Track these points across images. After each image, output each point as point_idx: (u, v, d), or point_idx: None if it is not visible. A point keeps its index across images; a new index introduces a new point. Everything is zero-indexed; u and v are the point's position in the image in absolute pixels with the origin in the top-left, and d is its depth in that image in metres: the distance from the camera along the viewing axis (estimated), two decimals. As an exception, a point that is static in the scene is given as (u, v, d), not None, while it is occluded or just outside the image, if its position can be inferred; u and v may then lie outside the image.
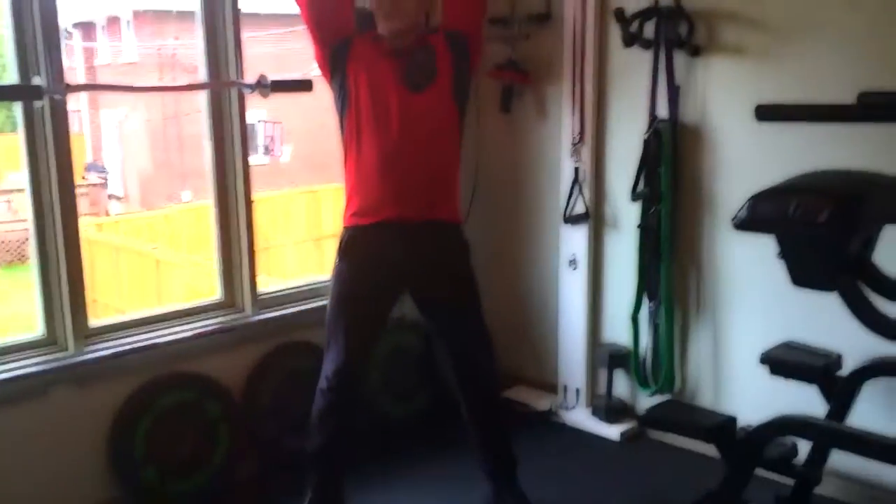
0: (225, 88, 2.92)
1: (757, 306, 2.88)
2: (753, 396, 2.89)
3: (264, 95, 2.88)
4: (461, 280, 2.65)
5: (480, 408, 2.73)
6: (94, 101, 15.98)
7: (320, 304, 3.01)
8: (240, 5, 2.92)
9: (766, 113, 2.01)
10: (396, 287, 2.65)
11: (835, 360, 2.55)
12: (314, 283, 3.25)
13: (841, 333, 2.36)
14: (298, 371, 2.99)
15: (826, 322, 2.61)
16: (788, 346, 2.69)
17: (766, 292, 2.80)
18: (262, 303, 3.08)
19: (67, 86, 2.52)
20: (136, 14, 14.59)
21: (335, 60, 2.55)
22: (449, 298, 2.64)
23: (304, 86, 2.97)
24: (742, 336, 2.94)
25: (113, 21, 15.52)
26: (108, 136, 16.16)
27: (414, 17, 2.53)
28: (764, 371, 2.62)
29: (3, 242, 12.85)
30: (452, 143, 2.62)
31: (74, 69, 15.64)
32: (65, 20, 15.26)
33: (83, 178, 14.52)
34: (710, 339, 3.04)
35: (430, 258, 2.58)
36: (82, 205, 12.60)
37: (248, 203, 3.01)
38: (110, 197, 15.38)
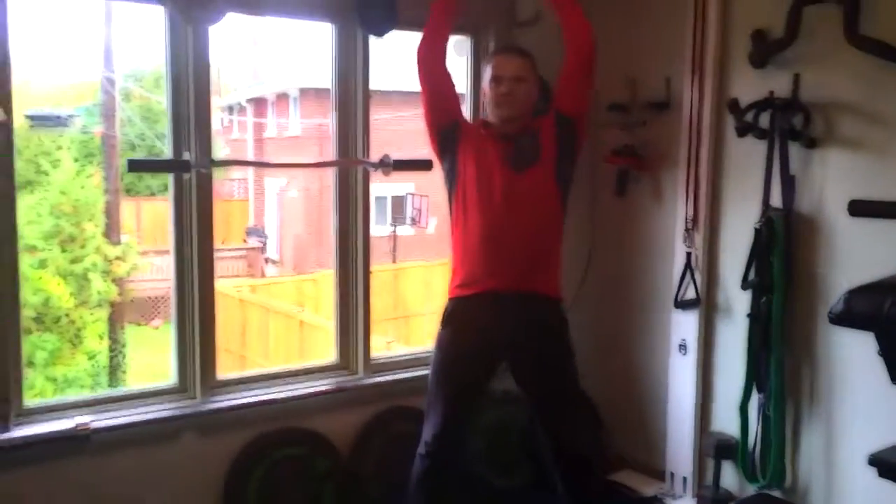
0: (351, 166, 3.16)
1: (870, 405, 2.77)
2: (864, 498, 2.76)
3: (386, 174, 3.10)
4: (556, 352, 2.72)
5: (575, 484, 2.75)
6: (260, 169, 17.13)
7: (427, 371, 3.15)
8: (371, 86, 3.17)
9: (860, 209, 2.00)
10: (494, 356, 2.74)
11: (948, 468, 2.43)
12: (423, 352, 3.40)
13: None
14: (404, 435, 3.10)
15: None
16: (900, 449, 2.58)
17: (879, 391, 2.70)
18: (373, 367, 3.25)
19: (212, 161, 2.83)
20: (303, 91, 15.64)
21: (445, 142, 2.74)
22: (542, 369, 2.70)
23: (423, 165, 3.17)
24: (854, 434, 2.83)
25: (282, 97, 16.71)
26: (269, 202, 17.23)
27: (522, 106, 2.69)
28: (874, 472, 2.52)
29: (169, 298, 13.85)
30: (554, 220, 2.73)
31: (245, 141, 16.90)
32: (240, 95, 16.62)
33: (244, 241, 15.54)
34: (822, 434, 2.94)
35: (527, 329, 2.67)
36: (240, 267, 13.51)
37: (367, 272, 3.22)
38: (267, 260, 16.31)
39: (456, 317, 2.72)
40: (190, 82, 2.81)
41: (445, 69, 2.75)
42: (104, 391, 2.83)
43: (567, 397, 2.72)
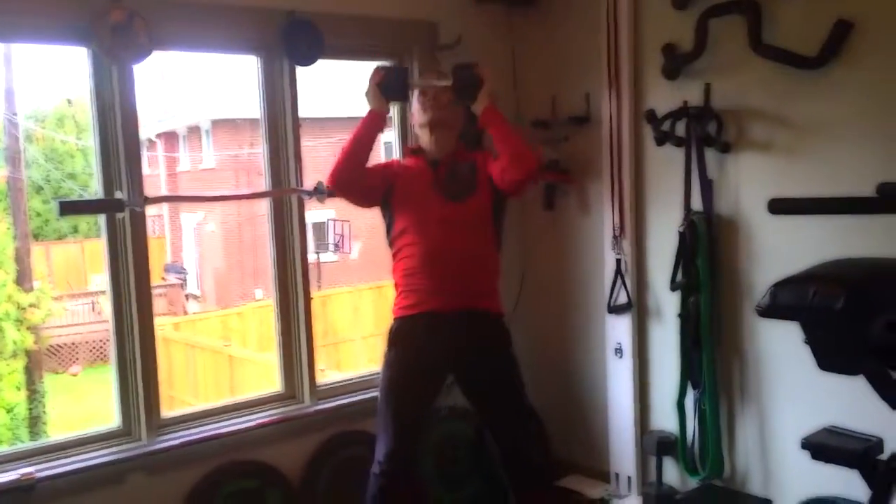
0: (285, 195, 3.17)
1: (799, 391, 2.93)
2: (800, 481, 2.91)
3: (321, 201, 3.13)
4: (503, 366, 2.79)
5: (528, 494, 2.81)
6: (175, 205, 16.78)
7: (375, 394, 3.16)
8: (300, 114, 3.20)
9: (778, 206, 2.13)
10: (441, 371, 2.81)
11: (875, 445, 2.58)
12: (369, 374, 3.41)
13: (882, 417, 2.39)
14: (354, 459, 3.12)
15: (867, 406, 2.65)
16: (829, 431, 2.72)
17: (806, 377, 2.85)
18: (319, 393, 3.26)
19: (146, 198, 2.81)
20: (215, 123, 15.45)
21: (385, 201, 2.83)
22: (491, 383, 2.77)
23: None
24: (786, 421, 2.98)
25: (193, 130, 16.45)
26: (187, 238, 16.90)
27: (450, 131, 2.78)
28: (808, 456, 2.66)
29: (87, 343, 13.43)
30: (490, 241, 2.82)
31: (157, 176, 16.54)
32: (149, 131, 16.29)
33: (163, 278, 15.18)
34: (756, 424, 3.08)
35: (471, 344, 2.74)
36: (161, 305, 13.22)
37: (307, 300, 3.23)
38: (188, 296, 15.97)
39: (401, 336, 2.77)
40: (117, 121, 2.79)
41: (364, 177, 2.79)
42: (45, 440, 2.73)
43: (515, 408, 2.79)
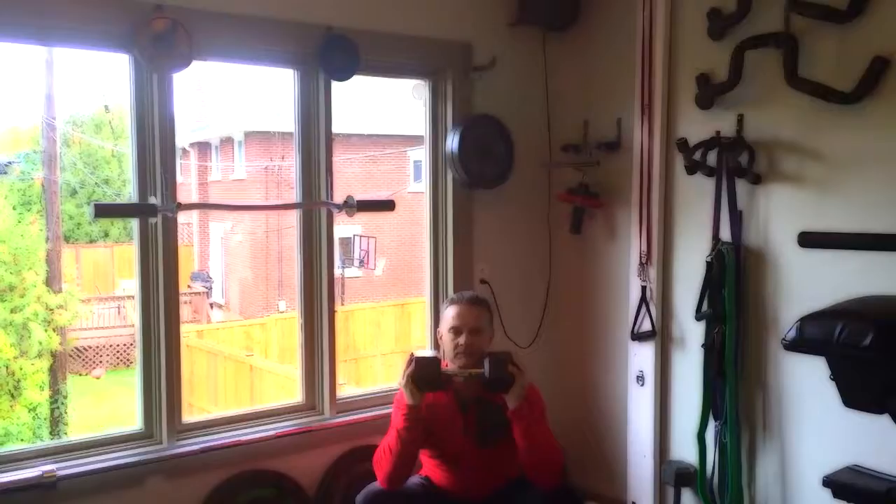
0: (315, 208, 3.20)
1: (822, 428, 2.89)
2: (820, 520, 2.87)
3: (350, 215, 3.16)
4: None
5: None
6: (204, 214, 16.99)
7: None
8: (333, 129, 3.23)
9: (810, 240, 2.13)
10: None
11: (898, 486, 2.55)
12: (389, 390, 3.42)
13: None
14: (371, 474, 3.12)
15: (891, 446, 2.62)
16: (852, 470, 2.70)
17: (830, 414, 2.82)
18: (339, 406, 3.27)
19: (179, 204, 2.85)
20: (248, 135, 15.63)
21: None
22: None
23: (386, 206, 3.24)
24: (808, 457, 2.94)
25: (226, 141, 16.65)
26: (214, 247, 17.07)
27: (479, 355, 2.79)
28: (829, 494, 2.64)
29: (111, 346, 13.58)
30: (514, 460, 2.83)
31: (189, 185, 16.75)
32: (183, 140, 16.52)
33: (189, 286, 15.33)
34: (777, 459, 3.05)
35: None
36: (185, 312, 13.34)
37: (332, 313, 3.25)
38: (212, 305, 16.11)
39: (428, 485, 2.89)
40: (155, 127, 2.84)
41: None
42: (67, 438, 2.77)
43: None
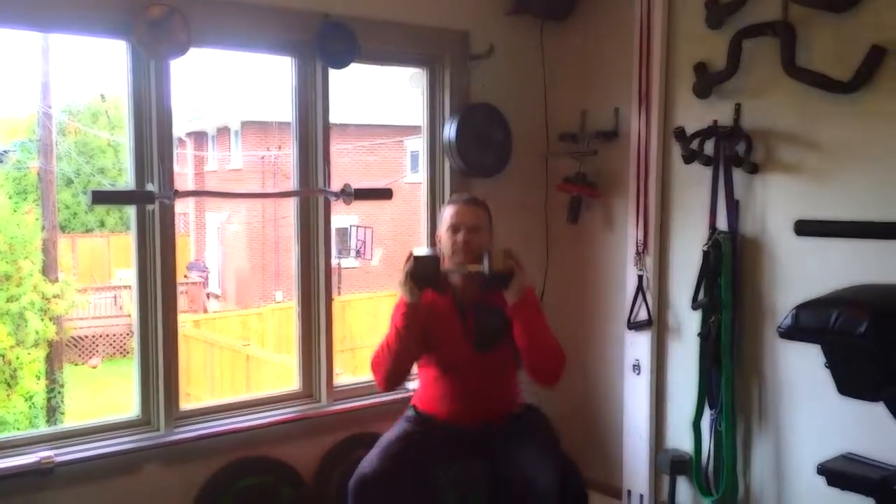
0: (312, 196, 3.20)
1: (817, 416, 2.91)
2: (815, 507, 2.89)
3: (347, 203, 3.16)
4: (532, 428, 2.85)
5: None
6: (201, 204, 16.97)
7: (391, 396, 3.20)
8: (330, 119, 3.23)
9: (805, 228, 2.14)
10: (458, 455, 2.81)
11: (892, 474, 2.56)
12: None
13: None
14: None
15: (886, 434, 2.63)
16: (846, 458, 2.71)
17: (825, 402, 2.83)
18: (336, 394, 3.28)
19: (176, 192, 2.85)
20: (244, 125, 15.60)
21: None
22: (517, 431, 2.81)
23: (384, 194, 3.24)
24: (803, 445, 2.96)
25: (223, 131, 16.62)
26: (210, 237, 17.06)
27: (477, 254, 2.77)
28: (823, 481, 2.65)
29: (107, 336, 13.58)
30: (513, 372, 2.91)
31: (185, 175, 16.72)
32: (179, 129, 16.48)
33: (185, 276, 15.32)
34: (772, 447, 3.06)
35: (498, 434, 2.80)
36: (182, 302, 13.35)
37: (329, 301, 3.25)
38: (209, 295, 16.11)
39: (421, 421, 2.85)
40: (152, 114, 2.83)
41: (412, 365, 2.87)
42: (64, 425, 2.77)
43: (537, 448, 2.74)
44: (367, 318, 11.45)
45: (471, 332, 2.80)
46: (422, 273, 2.71)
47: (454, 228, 2.81)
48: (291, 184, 3.26)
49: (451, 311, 2.82)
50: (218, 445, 2.98)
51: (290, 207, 3.29)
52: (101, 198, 3.02)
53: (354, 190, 3.15)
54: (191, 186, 16.16)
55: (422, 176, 3.64)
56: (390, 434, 2.81)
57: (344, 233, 14.96)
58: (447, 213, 2.86)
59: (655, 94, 3.31)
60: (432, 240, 3.48)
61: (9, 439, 2.70)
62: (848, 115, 2.77)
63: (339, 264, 14.26)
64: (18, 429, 9.58)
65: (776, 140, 2.99)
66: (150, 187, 2.81)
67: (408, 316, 2.70)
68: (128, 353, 12.55)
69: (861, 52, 2.68)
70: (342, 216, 13.66)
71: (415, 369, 2.93)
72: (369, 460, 2.68)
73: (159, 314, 2.89)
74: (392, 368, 2.75)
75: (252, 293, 15.43)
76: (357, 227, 14.98)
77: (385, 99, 12.55)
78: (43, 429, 2.72)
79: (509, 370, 2.90)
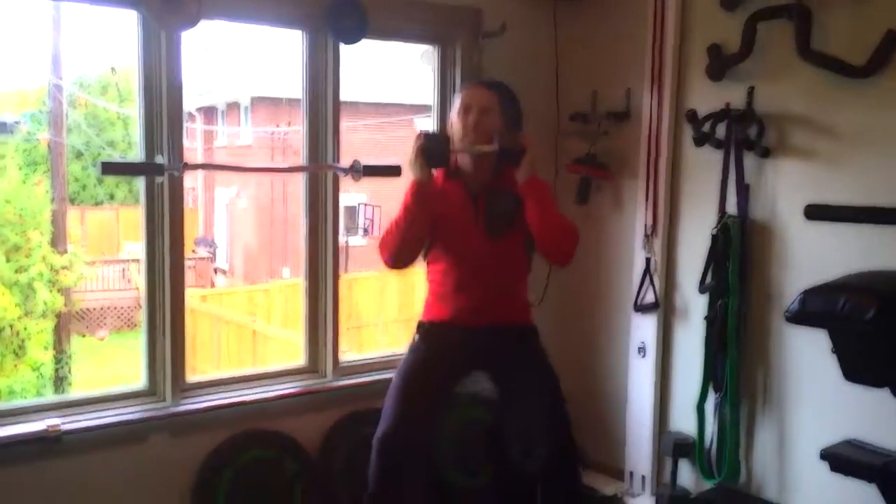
0: (322, 171, 3.20)
1: (822, 401, 2.90)
2: (817, 491, 2.90)
3: (356, 179, 3.14)
4: (535, 364, 2.82)
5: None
6: (210, 179, 16.99)
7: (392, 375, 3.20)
8: (341, 95, 3.22)
9: (816, 213, 2.13)
10: (467, 366, 2.86)
11: (895, 460, 2.56)
12: (391, 355, 3.45)
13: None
14: (371, 436, 3.14)
15: (890, 421, 2.63)
16: (850, 444, 2.71)
17: (830, 388, 2.83)
18: (342, 370, 3.29)
19: (185, 164, 2.85)
20: (254, 100, 15.57)
21: None
22: (524, 379, 2.79)
23: (393, 171, 3.21)
24: (807, 430, 2.96)
25: (232, 106, 16.59)
26: (219, 212, 17.08)
27: (487, 136, 2.72)
28: (826, 467, 2.66)
29: (115, 308, 13.65)
30: (522, 269, 2.91)
31: (195, 150, 16.72)
32: (189, 104, 16.45)
33: (193, 251, 15.37)
34: (776, 431, 3.06)
35: (504, 348, 2.79)
36: (190, 277, 13.41)
37: (336, 278, 3.26)
38: (216, 270, 16.15)
39: (433, 334, 2.84)
40: (163, 86, 2.83)
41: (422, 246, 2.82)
42: (73, 394, 2.78)
43: (544, 404, 2.76)
44: (373, 297, 11.44)
45: (482, 217, 2.76)
46: (431, 148, 2.67)
47: (465, 109, 2.75)
48: (301, 159, 3.26)
49: (462, 197, 2.78)
50: (223, 417, 3.00)
51: (300, 184, 3.29)
52: (111, 169, 3.02)
53: (363, 166, 3.14)
54: (200, 161, 16.18)
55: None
56: (400, 376, 2.80)
57: (352, 211, 14.95)
58: (459, 96, 2.83)
59: (668, 76, 3.29)
60: (443, 110, 3.49)
61: (16, 407, 2.73)
62: (862, 100, 2.75)
63: (346, 242, 14.27)
64: (26, 398, 9.67)
65: (789, 124, 2.97)
66: (159, 160, 2.81)
67: (417, 194, 2.67)
68: (135, 325, 12.59)
69: (877, 37, 2.65)
70: (351, 194, 13.66)
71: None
72: (386, 416, 2.73)
73: (167, 287, 2.90)
74: (400, 247, 2.71)
75: (259, 269, 15.47)
76: (366, 205, 14.97)
77: (395, 77, 12.53)
78: (50, 397, 2.71)
79: (520, 266, 2.87)
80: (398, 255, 2.74)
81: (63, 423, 2.66)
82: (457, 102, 2.82)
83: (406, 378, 2.78)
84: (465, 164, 2.80)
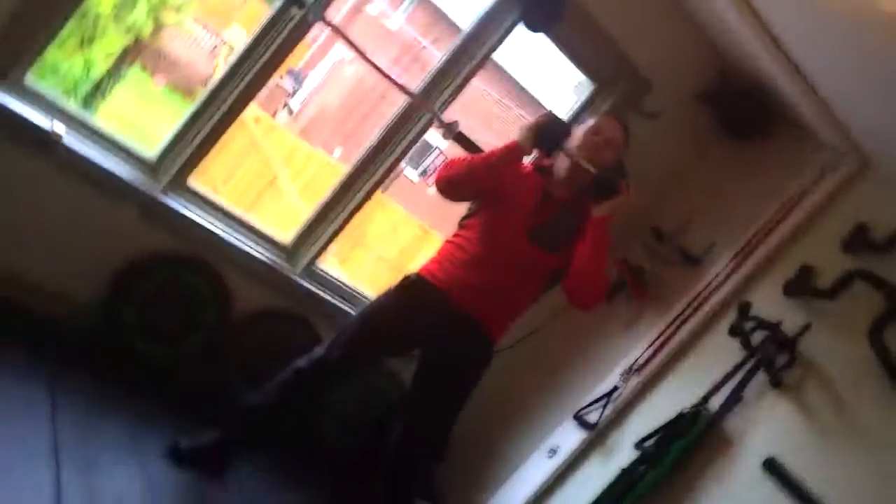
0: (422, 110, 3.18)
1: None
2: None
3: (445, 138, 3.13)
4: (466, 376, 2.82)
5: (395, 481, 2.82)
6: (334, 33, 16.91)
7: (351, 310, 3.22)
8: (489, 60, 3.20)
9: (773, 469, 2.11)
10: (416, 342, 2.84)
11: None
12: (360, 295, 3.45)
13: None
14: (294, 341, 3.15)
15: None
16: None
17: None
18: (312, 273, 3.31)
19: (324, 18, 2.84)
20: (421, 1, 15.49)
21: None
22: (446, 379, 2.80)
23: (478, 152, 3.20)
24: None
25: (401, -12, 16.51)
26: (324, 63, 17.08)
27: (599, 164, 2.70)
28: None
29: (185, 68, 13.65)
30: (532, 294, 2.87)
31: (341, 7, 16.66)
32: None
33: (281, 76, 15.39)
34: None
35: (458, 344, 2.77)
36: (261, 94, 13.40)
37: (368, 195, 3.27)
38: (286, 105, 16.18)
39: (414, 290, 2.79)
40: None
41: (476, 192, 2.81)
42: (89, 118, 2.78)
43: (442, 414, 2.80)
44: (387, 228, 11.39)
45: (538, 220, 2.74)
46: (548, 132, 2.67)
47: (596, 131, 2.77)
48: (418, 83, 3.22)
49: (534, 193, 2.77)
50: (190, 235, 3.02)
51: (401, 98, 3.25)
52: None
53: (458, 133, 3.11)
54: (343, 16, 16.15)
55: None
56: (362, 317, 2.83)
57: (427, 149, 14.94)
58: (594, 119, 2.84)
59: (751, 262, 3.23)
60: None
61: (44, 94, 2.73)
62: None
63: (402, 168, 14.28)
64: (62, 81, 9.72)
65: (814, 378, 2.90)
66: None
67: (505, 156, 2.68)
68: (190, 95, 12.62)
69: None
70: (436, 135, 13.61)
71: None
72: (330, 347, 2.74)
73: (237, 91, 2.91)
74: (457, 178, 2.72)
75: (319, 133, 15.48)
76: (441, 152, 14.95)
77: (545, 73, 12.41)
78: (72, 106, 2.71)
79: (533, 286, 2.85)
80: (452, 180, 2.73)
81: (66, 137, 2.68)
82: (590, 122, 2.82)
83: (363, 323, 2.79)
84: (559, 171, 2.79)
